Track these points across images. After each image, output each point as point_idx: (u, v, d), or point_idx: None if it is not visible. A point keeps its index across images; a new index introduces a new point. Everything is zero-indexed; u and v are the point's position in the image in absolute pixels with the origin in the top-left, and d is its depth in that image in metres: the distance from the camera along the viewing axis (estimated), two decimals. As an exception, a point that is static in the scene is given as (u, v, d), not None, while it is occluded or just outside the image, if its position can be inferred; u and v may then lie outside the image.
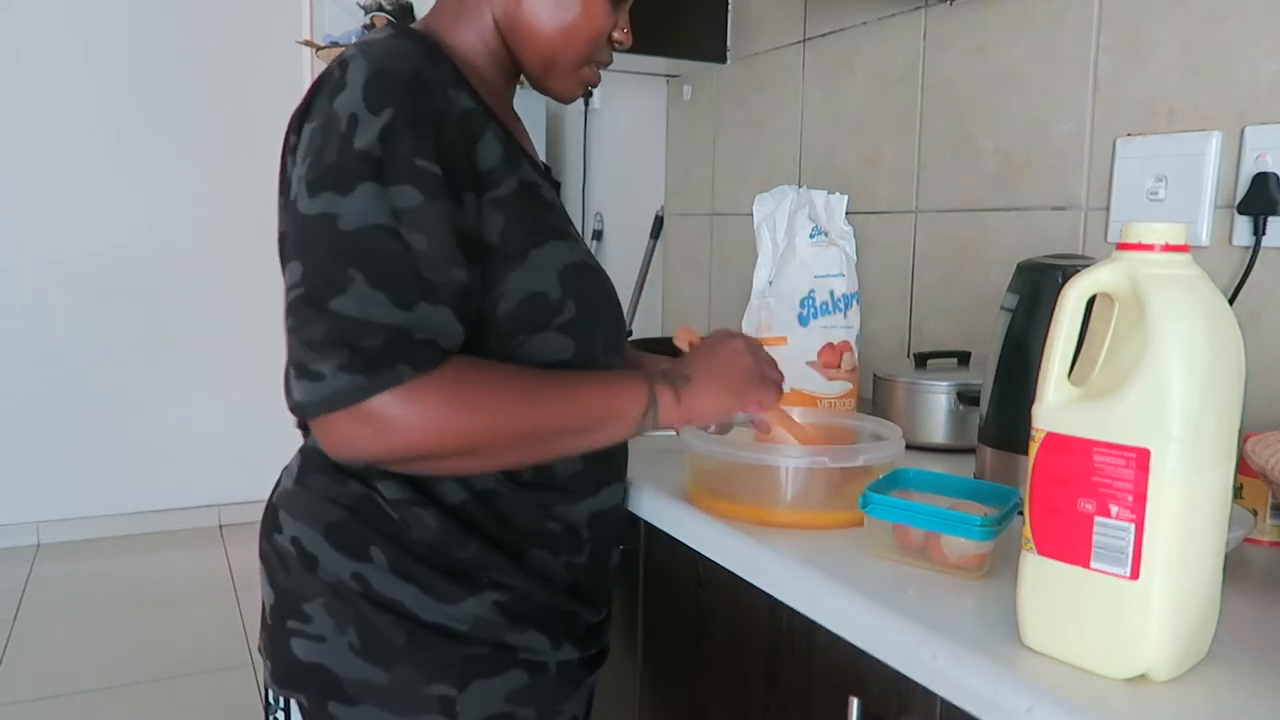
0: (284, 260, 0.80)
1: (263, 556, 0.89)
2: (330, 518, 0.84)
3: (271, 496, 0.91)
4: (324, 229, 0.73)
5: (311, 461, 0.88)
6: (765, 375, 0.93)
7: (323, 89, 0.79)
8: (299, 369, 0.72)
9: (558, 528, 0.89)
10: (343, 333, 0.71)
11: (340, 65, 0.78)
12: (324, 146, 0.75)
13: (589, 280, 0.88)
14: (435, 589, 0.82)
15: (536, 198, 0.86)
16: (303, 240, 0.75)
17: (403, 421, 0.71)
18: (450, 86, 0.81)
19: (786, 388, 1.21)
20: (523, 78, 0.95)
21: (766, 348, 0.98)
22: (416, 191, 0.74)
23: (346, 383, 0.70)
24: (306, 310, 0.72)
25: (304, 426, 0.87)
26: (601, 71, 0.96)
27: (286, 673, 0.85)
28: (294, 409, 0.73)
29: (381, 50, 0.79)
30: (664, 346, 1.38)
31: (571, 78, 0.93)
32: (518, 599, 0.85)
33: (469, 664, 0.83)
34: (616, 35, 0.93)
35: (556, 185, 1.00)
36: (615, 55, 0.95)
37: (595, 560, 0.93)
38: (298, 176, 0.77)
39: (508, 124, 0.89)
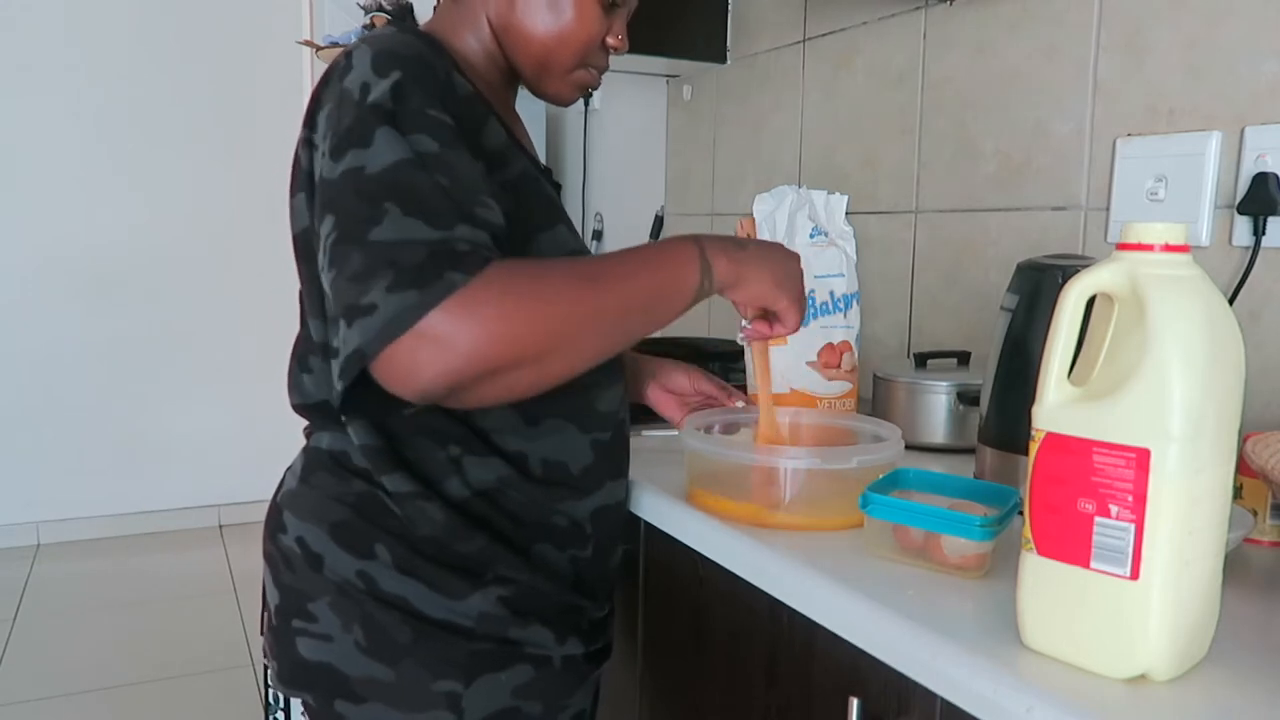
0: (299, 254, 0.81)
1: (267, 557, 0.89)
2: (335, 516, 0.84)
3: (275, 497, 0.91)
4: (353, 179, 0.72)
5: (315, 461, 0.88)
6: (803, 292, 0.92)
7: (331, 78, 0.80)
8: (349, 311, 0.68)
9: (563, 522, 0.89)
10: (383, 255, 0.68)
11: (345, 55, 0.80)
12: (339, 117, 0.76)
13: None
14: (440, 585, 0.82)
15: (539, 187, 0.87)
16: (333, 195, 0.73)
17: (467, 333, 0.66)
18: (454, 75, 0.82)
19: (785, 387, 1.22)
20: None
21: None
22: (432, 140, 0.74)
23: (398, 303, 0.66)
24: (343, 248, 0.70)
25: (323, 419, 0.88)
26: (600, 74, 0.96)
27: (293, 672, 0.85)
28: (347, 359, 0.68)
29: (386, 38, 0.80)
30: (662, 347, 1.38)
31: (565, 82, 0.93)
32: (522, 594, 0.85)
33: (475, 659, 0.83)
34: (611, 41, 0.93)
35: (558, 187, 1.00)
36: (615, 57, 0.96)
37: (598, 555, 0.93)
38: (321, 154, 0.77)
39: (508, 121, 0.89)
